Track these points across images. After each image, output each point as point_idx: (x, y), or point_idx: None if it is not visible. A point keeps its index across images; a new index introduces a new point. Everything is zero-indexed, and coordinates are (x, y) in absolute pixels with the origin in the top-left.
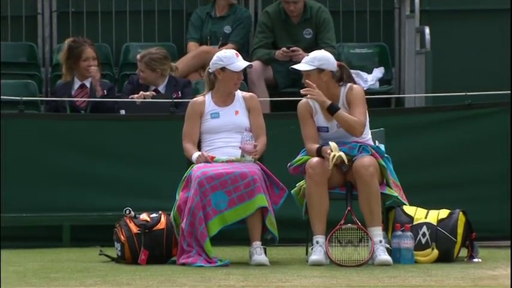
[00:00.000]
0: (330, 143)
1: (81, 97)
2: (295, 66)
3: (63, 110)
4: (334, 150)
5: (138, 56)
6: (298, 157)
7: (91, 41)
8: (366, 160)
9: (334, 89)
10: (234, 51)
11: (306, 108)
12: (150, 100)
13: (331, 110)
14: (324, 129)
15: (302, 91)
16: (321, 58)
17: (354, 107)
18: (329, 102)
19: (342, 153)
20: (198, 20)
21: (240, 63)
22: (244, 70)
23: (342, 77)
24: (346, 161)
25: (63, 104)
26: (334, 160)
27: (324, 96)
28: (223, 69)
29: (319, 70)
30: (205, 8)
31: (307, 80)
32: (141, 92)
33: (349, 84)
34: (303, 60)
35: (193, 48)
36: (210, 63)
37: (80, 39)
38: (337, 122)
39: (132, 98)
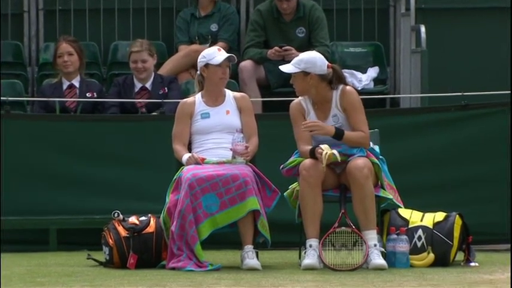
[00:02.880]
0: (323, 145)
1: (70, 97)
2: (282, 67)
3: (52, 111)
4: (326, 149)
5: (136, 47)
6: (291, 159)
7: (73, 38)
8: (360, 162)
9: (325, 92)
10: (216, 47)
11: (298, 109)
12: (144, 100)
13: (338, 137)
14: None
15: (304, 128)
16: (307, 61)
17: (353, 116)
18: (333, 130)
19: (334, 151)
20: (183, 23)
21: (220, 57)
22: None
23: (334, 79)
24: (339, 158)
25: (53, 104)
26: (327, 157)
27: (325, 126)
28: (206, 65)
29: (305, 73)
30: (189, 10)
31: (310, 124)
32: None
33: (341, 87)
34: (291, 62)
35: None
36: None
37: (60, 37)
38: (346, 144)
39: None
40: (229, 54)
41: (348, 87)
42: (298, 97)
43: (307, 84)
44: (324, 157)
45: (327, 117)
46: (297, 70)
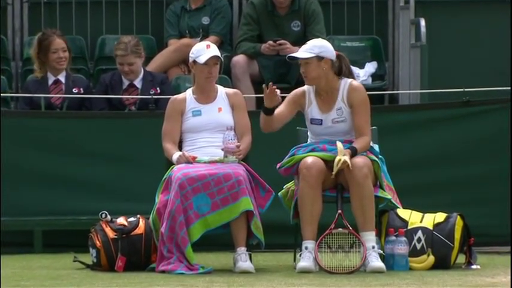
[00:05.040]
0: (337, 143)
1: (56, 93)
2: (294, 54)
3: (37, 107)
4: (340, 153)
5: (121, 51)
6: (288, 157)
7: (60, 32)
8: (359, 160)
9: (333, 82)
10: (206, 43)
11: (299, 95)
12: (133, 97)
13: (353, 154)
14: (318, 122)
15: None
16: (320, 46)
17: (358, 115)
18: (349, 153)
19: (347, 157)
20: (173, 17)
21: (205, 55)
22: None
23: (341, 68)
24: (350, 165)
25: (38, 100)
26: (340, 165)
27: (347, 157)
28: (194, 62)
29: (319, 58)
30: (180, 2)
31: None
32: None
33: (349, 81)
34: (301, 49)
35: None
36: None
37: (48, 31)
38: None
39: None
40: (214, 54)
41: (356, 83)
42: (295, 90)
43: (321, 70)
44: (335, 164)
45: (330, 109)
46: (311, 55)
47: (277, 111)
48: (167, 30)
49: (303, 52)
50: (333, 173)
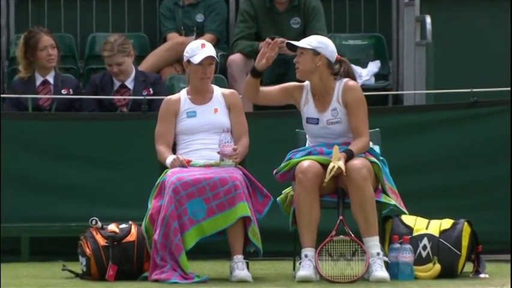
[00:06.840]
0: (335, 147)
1: (44, 94)
2: (293, 42)
3: (25, 109)
4: (334, 159)
5: (107, 52)
6: (285, 162)
7: (48, 29)
8: (357, 162)
9: (329, 81)
10: (201, 42)
11: (294, 88)
12: (124, 97)
13: (349, 158)
14: (314, 121)
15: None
16: (320, 41)
17: (355, 115)
18: (345, 156)
19: (341, 163)
20: (168, 11)
21: (199, 56)
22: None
23: (339, 72)
24: (344, 171)
25: (25, 102)
26: (333, 172)
27: (341, 163)
28: (189, 62)
29: (315, 52)
30: None
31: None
32: None
33: (344, 80)
34: (301, 40)
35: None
36: None
37: (35, 29)
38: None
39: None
40: (209, 54)
41: (351, 82)
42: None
43: (314, 66)
44: (329, 170)
45: (325, 110)
46: (308, 47)
47: (267, 87)
48: (164, 24)
49: (301, 41)
50: (325, 180)
